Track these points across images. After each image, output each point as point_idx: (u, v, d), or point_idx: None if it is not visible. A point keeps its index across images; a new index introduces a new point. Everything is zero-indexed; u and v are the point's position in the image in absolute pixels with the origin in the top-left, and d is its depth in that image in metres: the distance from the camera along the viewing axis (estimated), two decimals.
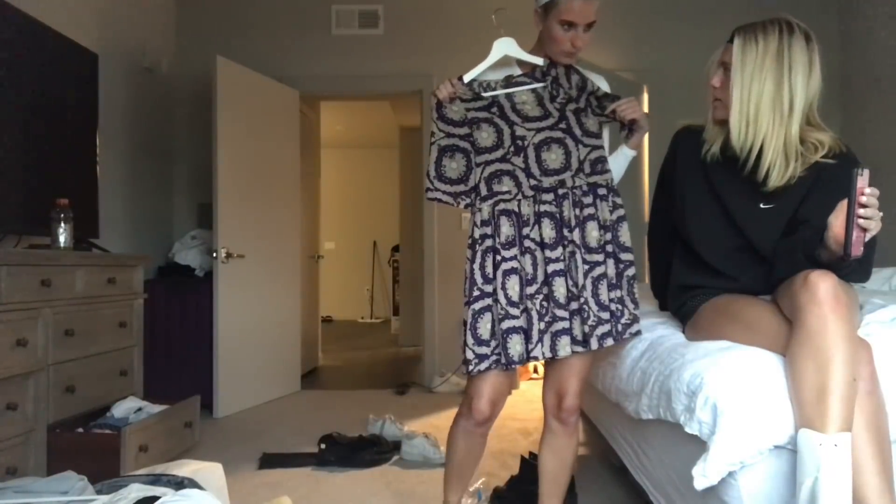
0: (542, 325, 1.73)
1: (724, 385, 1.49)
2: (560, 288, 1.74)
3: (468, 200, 1.82)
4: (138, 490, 1.63)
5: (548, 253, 1.74)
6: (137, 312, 3.20)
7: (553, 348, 1.73)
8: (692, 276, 1.92)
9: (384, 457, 2.95)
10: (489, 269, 1.75)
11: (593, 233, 1.78)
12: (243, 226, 4.11)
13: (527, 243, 1.75)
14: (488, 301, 1.74)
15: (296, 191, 4.73)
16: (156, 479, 1.81)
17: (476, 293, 1.75)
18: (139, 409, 2.92)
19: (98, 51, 3.46)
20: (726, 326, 1.72)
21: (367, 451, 2.98)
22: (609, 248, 1.81)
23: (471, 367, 1.73)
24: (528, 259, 1.74)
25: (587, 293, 1.75)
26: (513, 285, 1.74)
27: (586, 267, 1.76)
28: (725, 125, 1.81)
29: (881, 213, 1.46)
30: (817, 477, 1.30)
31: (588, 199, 1.79)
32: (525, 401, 4.28)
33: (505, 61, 1.89)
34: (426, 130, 4.02)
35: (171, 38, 4.73)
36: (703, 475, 1.44)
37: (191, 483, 1.83)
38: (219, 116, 3.93)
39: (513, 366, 1.74)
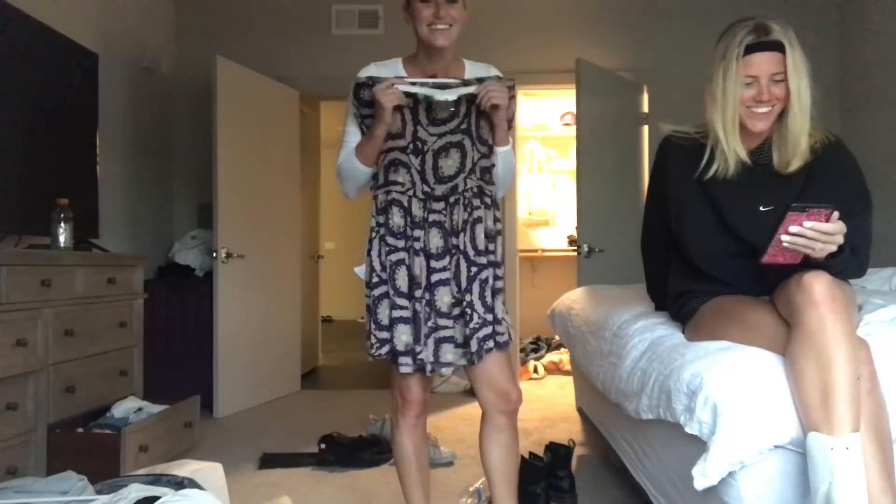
0: (426, 330, 1.75)
1: (724, 385, 1.49)
2: (444, 297, 1.76)
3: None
4: (138, 490, 1.64)
5: (433, 263, 1.77)
6: (137, 312, 3.20)
7: (436, 354, 1.75)
8: (690, 284, 1.92)
9: (384, 457, 2.95)
10: (384, 257, 1.80)
11: (481, 236, 1.80)
12: (243, 226, 4.11)
13: (416, 245, 1.77)
14: (385, 288, 1.79)
15: (296, 191, 4.73)
16: (156, 479, 1.81)
17: (375, 279, 1.80)
18: (139, 409, 2.91)
19: (98, 51, 3.46)
20: (726, 327, 1.72)
21: (367, 451, 2.97)
22: (491, 257, 1.82)
23: (372, 351, 1.79)
24: (416, 261, 1.77)
25: (473, 296, 1.76)
26: (402, 276, 1.78)
27: (474, 269, 1.78)
28: (761, 134, 1.80)
29: (824, 246, 1.51)
30: (832, 482, 1.29)
31: (477, 202, 1.81)
32: (525, 401, 4.23)
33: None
34: None
35: (171, 38, 4.73)
36: (703, 475, 1.44)
37: (191, 483, 1.83)
38: (219, 116, 3.93)
39: (399, 358, 1.75)
